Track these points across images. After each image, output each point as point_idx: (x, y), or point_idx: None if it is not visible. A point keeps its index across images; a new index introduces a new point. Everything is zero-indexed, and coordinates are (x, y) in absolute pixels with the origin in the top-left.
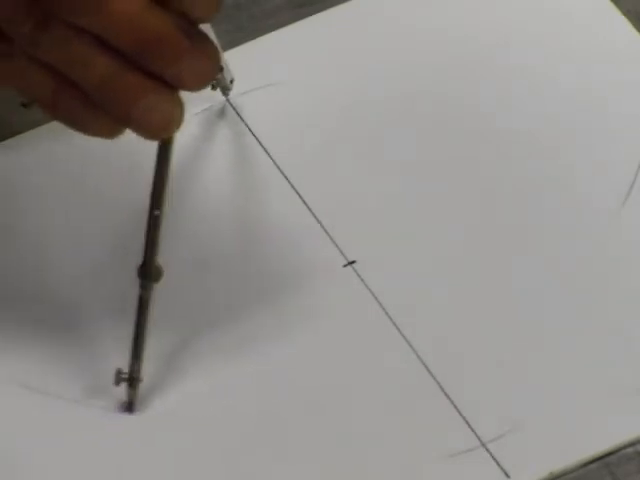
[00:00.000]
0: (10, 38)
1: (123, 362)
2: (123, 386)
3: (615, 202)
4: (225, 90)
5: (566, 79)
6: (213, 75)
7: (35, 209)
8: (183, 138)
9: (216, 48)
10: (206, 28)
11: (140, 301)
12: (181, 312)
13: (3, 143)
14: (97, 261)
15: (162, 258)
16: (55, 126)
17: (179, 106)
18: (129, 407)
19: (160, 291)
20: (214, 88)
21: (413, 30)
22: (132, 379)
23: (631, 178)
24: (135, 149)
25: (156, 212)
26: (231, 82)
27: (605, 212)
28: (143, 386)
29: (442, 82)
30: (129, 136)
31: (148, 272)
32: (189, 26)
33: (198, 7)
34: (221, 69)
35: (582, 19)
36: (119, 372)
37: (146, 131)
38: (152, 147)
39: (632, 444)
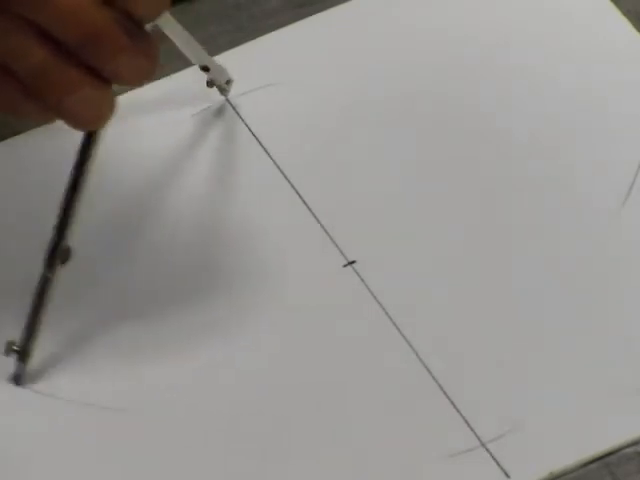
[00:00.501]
0: None
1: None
2: (11, 357)
3: (615, 202)
4: (222, 90)
5: (566, 79)
6: (151, 73)
7: (35, 209)
8: (183, 138)
9: (155, 47)
10: (183, 33)
11: (41, 279)
12: (181, 312)
13: (3, 143)
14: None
15: (163, 258)
16: (55, 126)
17: (111, 101)
18: (17, 379)
19: (163, 294)
20: (210, 86)
21: (413, 30)
22: (22, 352)
23: (631, 178)
24: (135, 148)
25: (71, 195)
26: (228, 83)
27: (605, 212)
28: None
29: (442, 82)
30: (128, 136)
31: (52, 252)
32: (132, 25)
33: (141, 6)
34: (207, 69)
35: (582, 19)
36: (10, 343)
37: (76, 122)
38: (152, 147)
39: (632, 444)
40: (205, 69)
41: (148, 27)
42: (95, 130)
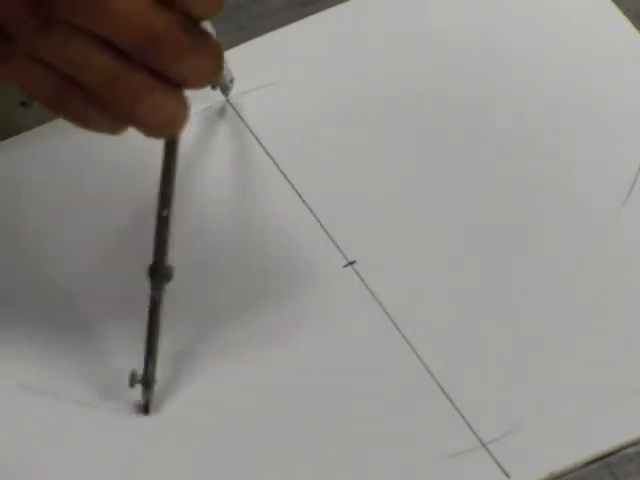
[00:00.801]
0: (13, 38)
1: (135, 363)
2: (137, 388)
3: (615, 202)
4: (225, 90)
5: (566, 79)
6: (216, 72)
7: (36, 209)
8: (182, 138)
9: (219, 45)
10: (207, 26)
11: (152, 302)
12: (183, 312)
13: (3, 143)
14: (102, 261)
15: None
16: (56, 125)
17: (183, 104)
18: (145, 409)
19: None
20: (214, 88)
21: (413, 30)
22: (147, 380)
23: (631, 178)
24: (136, 147)
25: (164, 212)
26: (231, 82)
27: (605, 212)
28: (156, 387)
29: (442, 82)
30: (129, 134)
31: (159, 272)
32: (191, 24)
33: (199, 5)
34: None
35: (582, 19)
36: (133, 374)
37: (150, 130)
38: (153, 145)
39: (633, 444)
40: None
41: None
42: (173, 136)
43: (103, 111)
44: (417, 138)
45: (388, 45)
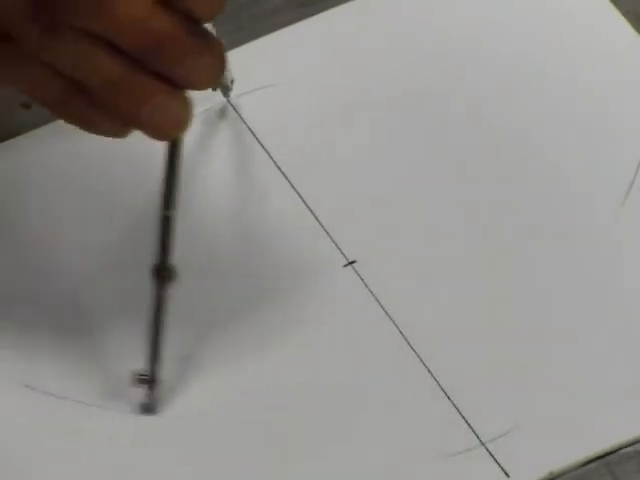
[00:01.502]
0: (17, 40)
1: (137, 363)
2: (140, 388)
3: (615, 202)
4: (225, 91)
5: (566, 79)
6: (220, 73)
7: (36, 209)
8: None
9: (221, 45)
10: (209, 28)
11: (156, 302)
12: (183, 313)
13: (3, 143)
14: (105, 261)
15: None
16: (56, 126)
17: (187, 106)
18: (150, 409)
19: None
20: (214, 89)
21: (414, 30)
22: (152, 381)
23: (631, 178)
24: (137, 148)
25: (168, 212)
26: (231, 82)
27: (605, 212)
28: (160, 388)
29: (442, 82)
30: (129, 137)
31: (163, 273)
32: (193, 25)
33: (201, 6)
34: None
35: (582, 19)
36: (137, 374)
37: (155, 132)
38: (154, 146)
39: (632, 443)
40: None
41: None
42: (177, 139)
43: (108, 115)
44: (418, 138)
45: (389, 46)
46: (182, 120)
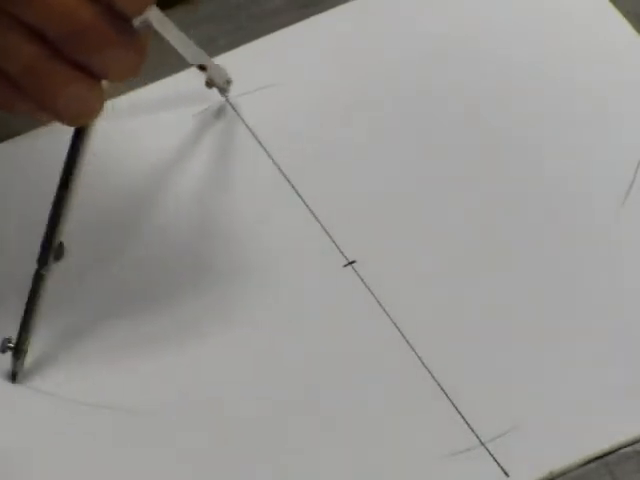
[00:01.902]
0: None
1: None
2: (9, 355)
3: (615, 202)
4: (222, 91)
5: (566, 79)
6: (138, 67)
7: (36, 209)
8: (183, 138)
9: (144, 42)
10: (175, 31)
11: (35, 276)
12: (182, 313)
13: (3, 143)
14: (93, 256)
15: (161, 257)
16: (56, 126)
17: (100, 96)
18: (12, 377)
19: (162, 293)
20: (209, 86)
21: (414, 31)
22: (17, 349)
23: (630, 178)
24: (134, 149)
25: (63, 192)
26: (227, 83)
27: (605, 212)
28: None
29: (442, 82)
30: (129, 136)
31: (45, 249)
32: (118, 19)
33: (125, 1)
34: (204, 68)
35: (582, 19)
36: (6, 340)
37: (65, 118)
38: (153, 147)
39: (631, 443)
40: (202, 68)
41: (138, 25)
42: (85, 126)
43: (24, 98)
44: (417, 138)
45: (388, 46)
46: (93, 110)
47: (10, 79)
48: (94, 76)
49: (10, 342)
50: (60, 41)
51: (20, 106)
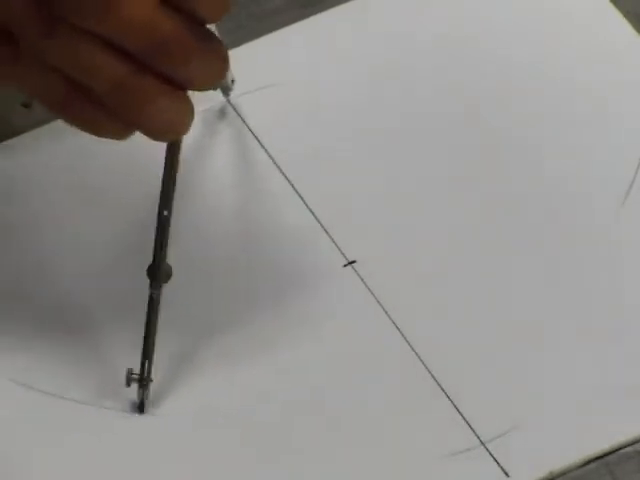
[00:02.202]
0: (18, 39)
1: (133, 363)
2: (134, 387)
3: (615, 202)
4: (226, 91)
5: (565, 79)
6: (223, 74)
7: (36, 209)
8: (184, 138)
9: (224, 46)
10: (211, 28)
11: (150, 301)
12: (184, 312)
13: (3, 143)
14: (102, 261)
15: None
16: (56, 126)
17: (189, 107)
18: (140, 407)
19: (165, 291)
20: (214, 88)
21: (414, 31)
22: (143, 379)
23: (630, 177)
24: (136, 149)
25: (165, 212)
26: (232, 82)
27: (605, 212)
28: (153, 387)
29: (442, 82)
30: (129, 136)
31: (157, 272)
32: (197, 26)
33: (206, 7)
34: None
35: (582, 19)
36: (130, 372)
37: (157, 134)
38: (153, 147)
39: (631, 443)
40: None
41: None
42: (176, 140)
43: (110, 116)
44: (417, 138)
45: (389, 46)
46: (184, 122)
47: (95, 98)
48: (182, 87)
49: (132, 373)
50: (143, 55)
51: (107, 126)
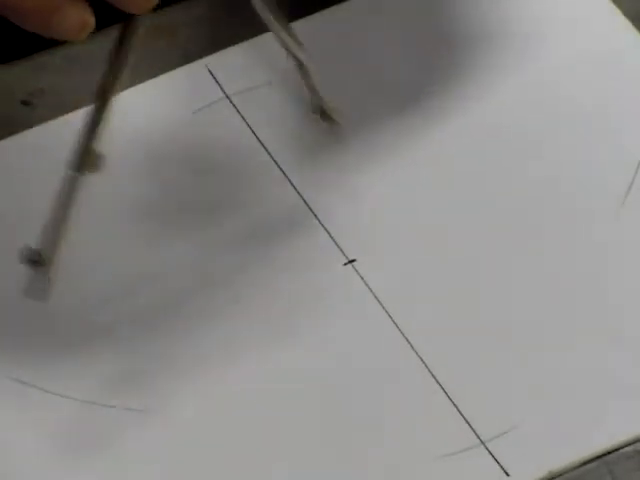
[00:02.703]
0: None
1: (132, 362)
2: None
3: (615, 202)
4: (298, 60)
5: (566, 79)
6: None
7: (37, 208)
8: (183, 135)
9: None
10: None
11: (67, 179)
12: (183, 311)
13: (3, 143)
14: (102, 261)
15: (161, 255)
16: (56, 125)
17: (88, 12)
18: (36, 294)
19: (163, 292)
20: (317, 112)
21: (414, 30)
22: (41, 262)
23: (630, 178)
24: (138, 148)
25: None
26: (300, 47)
27: (605, 212)
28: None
29: (442, 82)
30: (129, 133)
31: (87, 157)
32: None
33: None
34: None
35: (582, 19)
36: (28, 250)
37: (63, 36)
38: (158, 148)
39: (631, 443)
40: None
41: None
42: (131, 22)
43: (20, 21)
44: (417, 137)
45: (389, 44)
46: (87, 22)
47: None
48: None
49: (32, 251)
50: None
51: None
